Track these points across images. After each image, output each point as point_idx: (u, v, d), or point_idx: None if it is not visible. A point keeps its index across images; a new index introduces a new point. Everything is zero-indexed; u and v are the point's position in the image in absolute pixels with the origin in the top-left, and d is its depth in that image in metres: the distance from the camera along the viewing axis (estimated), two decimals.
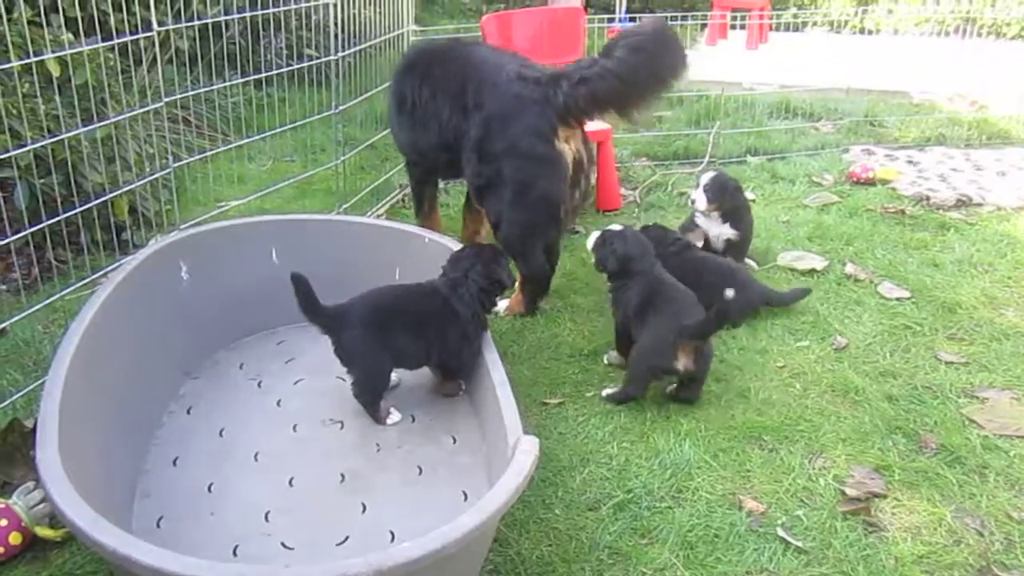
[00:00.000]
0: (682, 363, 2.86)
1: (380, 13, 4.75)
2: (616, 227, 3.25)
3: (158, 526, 2.32)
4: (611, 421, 2.87)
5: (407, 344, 2.76)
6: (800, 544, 2.35)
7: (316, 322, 2.72)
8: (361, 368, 2.75)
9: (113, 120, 3.34)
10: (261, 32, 4.56)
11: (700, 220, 4.00)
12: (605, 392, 3.00)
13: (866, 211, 4.72)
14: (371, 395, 2.77)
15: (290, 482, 2.51)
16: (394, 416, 2.80)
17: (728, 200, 3.92)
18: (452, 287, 2.83)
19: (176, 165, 3.66)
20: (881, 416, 2.90)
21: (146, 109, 3.41)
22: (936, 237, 4.40)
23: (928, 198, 4.88)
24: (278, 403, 2.91)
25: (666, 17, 6.62)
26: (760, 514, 2.46)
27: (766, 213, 4.68)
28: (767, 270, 4.00)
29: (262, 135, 4.37)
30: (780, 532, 2.39)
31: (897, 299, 3.72)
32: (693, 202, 3.93)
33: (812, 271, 3.95)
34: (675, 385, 2.99)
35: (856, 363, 3.24)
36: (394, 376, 2.89)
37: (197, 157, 3.97)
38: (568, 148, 3.33)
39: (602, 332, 3.45)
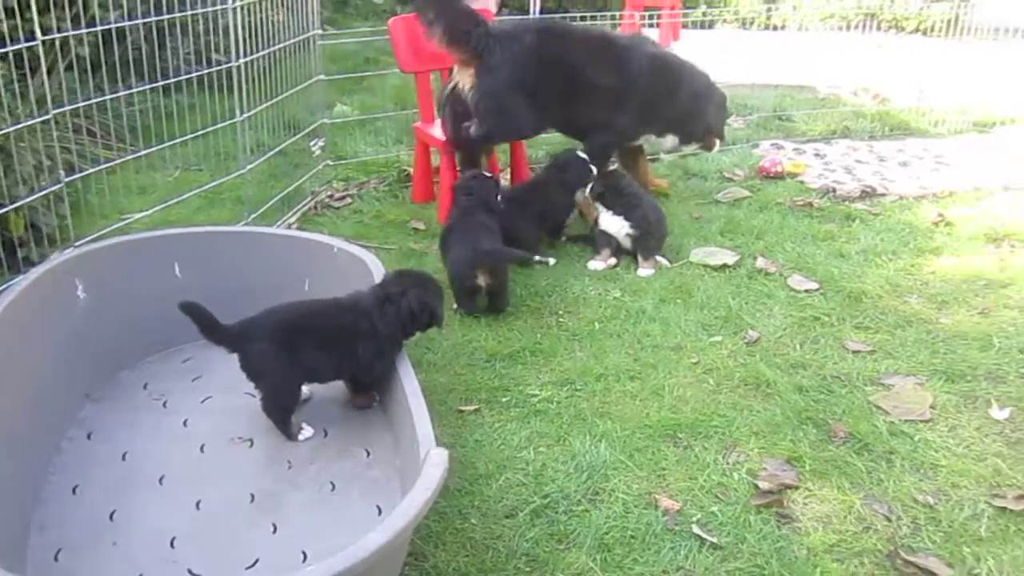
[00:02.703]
0: (482, 280, 3.48)
1: (286, 17, 4.65)
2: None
3: (56, 559, 2.21)
4: (527, 426, 2.86)
5: (317, 358, 2.69)
6: (715, 540, 2.36)
7: (219, 341, 2.64)
8: (269, 384, 2.68)
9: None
10: (167, 37, 4.41)
11: (603, 223, 4.08)
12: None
13: (776, 205, 4.81)
14: (281, 411, 2.69)
15: (197, 505, 2.42)
16: (306, 431, 2.73)
17: (622, 197, 4.04)
18: (380, 301, 2.75)
19: (71, 178, 3.50)
20: (792, 407, 2.95)
21: (34, 121, 3.26)
22: (842, 228, 4.51)
23: (835, 190, 5.01)
24: (184, 423, 2.81)
25: (579, 16, 6.67)
26: (676, 512, 2.47)
27: (679, 210, 4.74)
28: (679, 267, 4.04)
29: (167, 144, 4.23)
30: (695, 529, 2.40)
31: (806, 291, 3.80)
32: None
33: (724, 266, 4.00)
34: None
35: (767, 356, 3.29)
36: (306, 389, 2.82)
37: (97, 168, 3.82)
38: None
39: (518, 335, 3.44)
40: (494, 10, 10.60)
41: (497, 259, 3.58)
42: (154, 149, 4.17)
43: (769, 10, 10.42)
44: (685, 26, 10.01)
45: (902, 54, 8.96)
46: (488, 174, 4.09)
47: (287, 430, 2.70)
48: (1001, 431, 2.85)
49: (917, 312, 3.62)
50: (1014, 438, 2.81)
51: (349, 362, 2.73)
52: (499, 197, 3.94)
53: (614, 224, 4.03)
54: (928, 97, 6.90)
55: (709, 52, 8.99)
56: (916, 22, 10.39)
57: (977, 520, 2.45)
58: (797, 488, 2.58)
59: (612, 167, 4.58)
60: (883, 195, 4.99)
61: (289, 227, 4.44)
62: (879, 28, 9.61)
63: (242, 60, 4.13)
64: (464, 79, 4.24)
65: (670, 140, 4.73)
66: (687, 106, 4.58)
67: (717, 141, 4.87)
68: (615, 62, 4.36)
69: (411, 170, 5.03)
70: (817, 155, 5.74)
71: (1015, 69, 7.28)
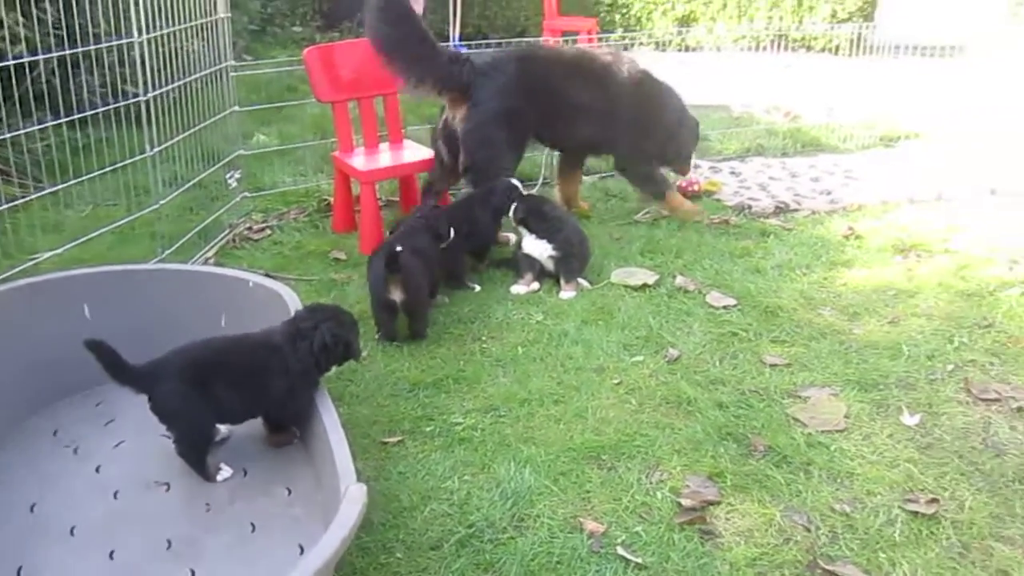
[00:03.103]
0: (395, 294, 3.48)
1: (201, 48, 4.59)
2: None
3: None
4: (452, 455, 2.84)
5: (228, 398, 2.62)
6: (640, 560, 2.38)
7: (126, 382, 2.56)
8: (181, 426, 2.62)
9: None
10: (77, 70, 4.31)
11: (526, 247, 4.09)
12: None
13: (694, 223, 4.91)
14: (196, 453, 2.63)
15: (111, 555, 2.34)
16: (224, 472, 2.67)
17: (544, 220, 4.04)
18: (292, 337, 2.69)
19: None
20: (713, 424, 3.00)
21: None
22: (758, 244, 4.62)
23: (750, 207, 5.13)
24: (97, 470, 2.71)
25: (497, 42, 6.74)
26: (600, 535, 2.48)
27: (600, 231, 4.80)
28: (601, 288, 4.08)
29: (79, 179, 4.12)
30: (620, 551, 2.41)
31: (724, 307, 3.87)
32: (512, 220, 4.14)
33: (644, 286, 4.06)
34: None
35: (688, 373, 3.34)
36: (224, 429, 2.77)
37: (3, 207, 3.70)
38: None
39: (441, 363, 3.43)
40: (420, 10, 10.68)
41: (407, 270, 3.50)
42: (64, 186, 4.06)
43: (681, 32, 10.66)
44: None
45: (811, 73, 9.27)
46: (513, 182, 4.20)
47: (204, 472, 2.63)
48: (912, 437, 2.94)
49: (830, 324, 3.72)
50: (924, 443, 2.91)
51: (262, 400, 2.68)
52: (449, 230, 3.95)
53: (537, 247, 4.06)
54: (837, 114, 7.14)
55: None
56: (824, 42, 10.78)
57: (892, 525, 2.51)
58: (719, 504, 2.62)
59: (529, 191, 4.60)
60: (796, 210, 5.14)
61: (206, 261, 4.36)
62: (789, 48, 9.91)
63: (152, 93, 4.05)
64: (456, 115, 4.44)
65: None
66: (668, 127, 4.84)
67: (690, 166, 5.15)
68: (602, 79, 4.62)
69: (332, 199, 5.00)
70: (733, 173, 5.89)
71: (916, 85, 7.60)
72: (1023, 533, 2.48)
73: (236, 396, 2.63)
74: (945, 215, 5.00)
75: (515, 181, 4.30)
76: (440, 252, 3.86)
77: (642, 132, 4.75)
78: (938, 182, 5.54)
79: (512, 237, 4.27)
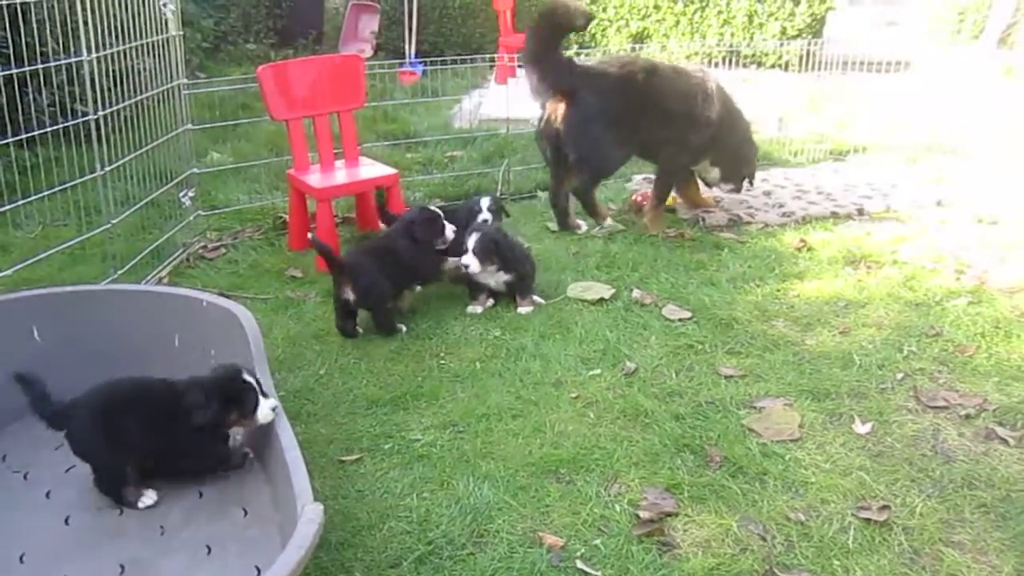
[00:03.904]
0: (348, 293, 3.69)
1: (153, 66, 4.55)
2: None
3: None
4: (410, 472, 2.83)
5: (140, 438, 2.57)
6: (599, 574, 2.39)
7: (44, 417, 2.55)
8: (95, 464, 2.60)
9: None
10: (24, 88, 4.24)
11: (478, 277, 4.01)
12: None
13: (649, 237, 4.96)
14: (111, 487, 2.60)
15: None
16: (147, 498, 2.60)
17: (501, 254, 3.96)
18: (189, 389, 2.63)
19: None
20: (670, 435, 3.03)
21: None
22: (712, 257, 4.68)
23: (704, 219, 5.20)
24: (47, 495, 2.66)
25: (452, 59, 6.76)
26: (560, 548, 2.49)
27: (556, 246, 4.83)
28: (558, 302, 4.10)
29: (28, 199, 4.05)
30: (579, 564, 2.42)
31: (680, 320, 3.91)
32: (466, 267, 3.91)
33: (601, 300, 4.09)
34: None
35: (645, 386, 3.37)
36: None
37: None
38: None
39: (399, 379, 3.42)
40: (369, 53, 10.69)
41: (354, 271, 3.71)
42: (13, 206, 3.98)
43: (635, 49, 10.78)
44: None
45: (763, 88, 9.42)
46: (435, 211, 4.06)
47: (125, 500, 2.59)
48: (864, 445, 2.99)
49: (784, 335, 3.78)
50: (876, 451, 2.96)
51: (172, 449, 2.63)
52: (442, 235, 3.98)
53: (492, 277, 4.03)
54: (788, 128, 7.27)
55: None
56: (774, 58, 10.98)
57: (845, 533, 2.55)
58: (677, 515, 2.64)
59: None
60: (749, 223, 5.21)
61: (160, 281, 4.30)
62: (741, 64, 10.09)
63: (103, 112, 4.00)
64: (557, 113, 4.76)
65: (716, 172, 5.31)
66: (738, 144, 5.23)
67: (745, 185, 5.48)
68: (694, 94, 4.94)
69: (287, 217, 4.96)
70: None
71: (863, 100, 7.77)
72: (972, 538, 2.54)
73: (147, 438, 2.59)
74: (893, 227, 5.11)
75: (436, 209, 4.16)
76: (410, 257, 3.89)
77: (716, 145, 5.10)
78: (886, 195, 5.66)
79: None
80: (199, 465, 2.71)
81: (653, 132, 4.91)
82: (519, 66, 9.27)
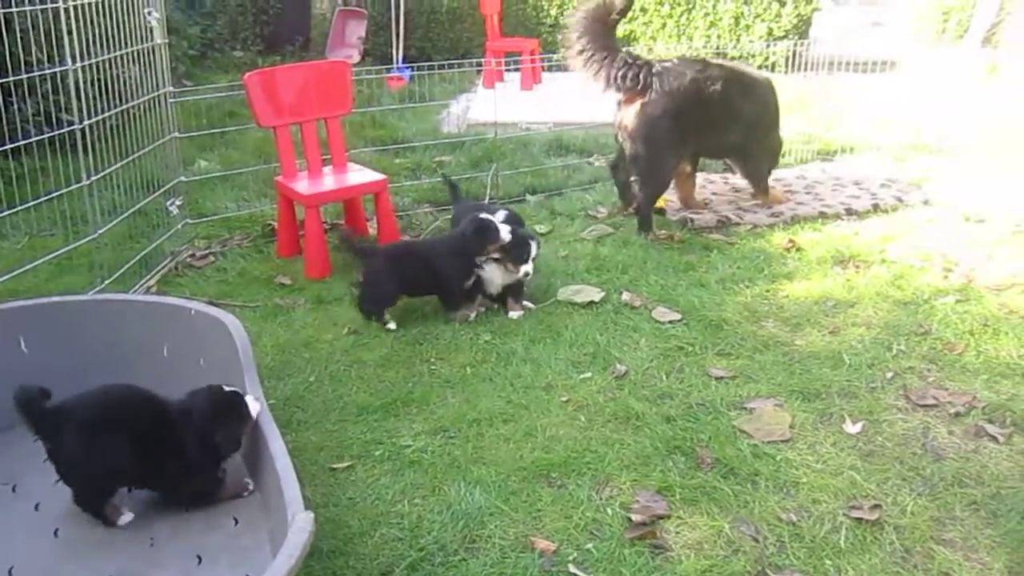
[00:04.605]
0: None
1: (139, 74, 4.53)
2: None
3: None
4: (402, 478, 2.83)
5: (124, 461, 2.51)
6: None
7: (32, 424, 2.50)
8: (80, 477, 2.54)
9: None
10: (9, 98, 4.22)
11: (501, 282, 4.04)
12: None
13: (638, 239, 4.96)
14: (94, 503, 2.56)
15: None
16: (125, 516, 2.57)
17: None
18: (182, 414, 2.58)
19: None
20: (661, 438, 3.03)
21: None
22: (702, 259, 4.68)
23: (692, 221, 5.20)
24: (36, 507, 2.64)
25: (439, 64, 6.76)
26: (552, 553, 2.49)
27: (546, 249, 4.81)
28: (549, 306, 4.10)
29: (14, 209, 4.03)
30: (572, 568, 2.42)
31: (670, 322, 3.91)
32: (527, 275, 3.99)
33: (591, 303, 4.09)
34: None
35: (636, 389, 3.37)
36: None
37: None
38: None
39: (389, 386, 3.41)
40: (356, 59, 10.68)
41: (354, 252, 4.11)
42: (2, 216, 3.97)
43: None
44: (548, 69, 10.30)
45: None
46: (488, 218, 4.00)
47: (103, 518, 2.55)
48: (855, 445, 3.00)
49: (774, 335, 3.78)
50: (867, 450, 2.97)
51: (156, 471, 2.59)
52: (489, 244, 3.94)
53: (507, 276, 4.02)
54: None
55: (570, 94, 9.31)
56: (761, 59, 11.01)
57: (836, 532, 2.56)
58: (669, 517, 2.64)
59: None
60: (738, 224, 5.22)
61: (148, 290, 4.28)
62: None
63: (88, 121, 3.99)
64: (628, 111, 4.91)
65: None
66: (773, 139, 5.48)
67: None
68: (752, 92, 5.17)
69: (276, 224, 4.95)
70: (675, 189, 5.95)
71: (850, 100, 7.80)
72: (963, 535, 2.55)
73: (134, 462, 2.53)
74: (881, 226, 5.12)
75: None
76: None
77: (765, 139, 5.39)
78: (874, 194, 5.68)
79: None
80: (195, 490, 2.66)
81: (720, 134, 5.12)
82: (506, 70, 9.33)
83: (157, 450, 2.54)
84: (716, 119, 5.00)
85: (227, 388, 2.64)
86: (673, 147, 4.98)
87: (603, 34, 4.87)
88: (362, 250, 4.12)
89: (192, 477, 2.60)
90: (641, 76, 4.81)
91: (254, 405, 2.62)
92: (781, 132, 5.57)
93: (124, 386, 2.62)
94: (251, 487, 2.71)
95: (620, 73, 4.81)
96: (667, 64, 4.91)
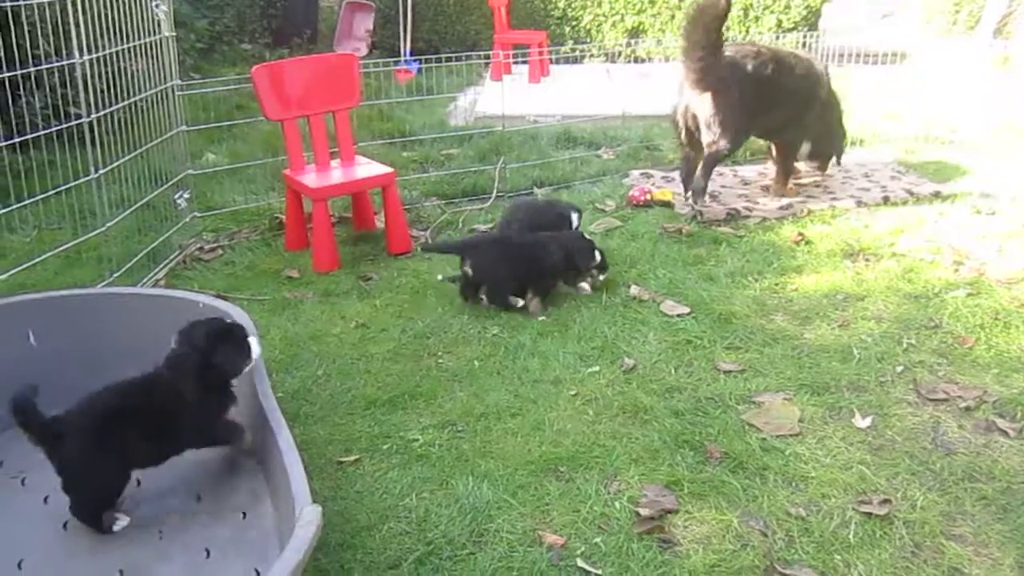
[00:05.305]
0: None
1: (145, 67, 4.53)
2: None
3: None
4: (409, 472, 2.82)
5: (137, 443, 2.52)
6: (599, 572, 2.38)
7: (30, 433, 2.46)
8: (83, 484, 2.50)
9: None
10: (17, 91, 4.23)
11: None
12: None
13: (646, 232, 4.94)
14: (93, 511, 2.53)
15: None
16: (122, 521, 2.55)
17: None
18: (173, 366, 2.58)
19: None
20: (669, 432, 3.02)
21: None
22: (711, 252, 4.66)
23: (701, 213, 5.18)
24: (45, 500, 2.65)
25: (447, 56, 6.74)
26: (560, 547, 2.48)
27: None
28: (556, 299, 4.09)
29: (22, 203, 4.04)
30: (580, 563, 2.42)
31: (678, 315, 3.90)
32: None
33: (599, 296, 4.08)
34: None
35: (644, 382, 3.36)
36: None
37: None
38: None
39: (397, 379, 3.41)
40: (364, 52, 10.67)
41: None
42: (7, 210, 3.98)
43: (631, 44, 10.77)
44: (556, 61, 10.27)
45: None
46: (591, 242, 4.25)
47: (99, 526, 2.52)
48: (864, 439, 2.98)
49: (783, 329, 3.77)
50: (876, 445, 2.95)
51: (171, 440, 2.60)
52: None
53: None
54: None
55: (579, 86, 9.29)
56: None
57: (846, 527, 2.55)
58: (677, 512, 2.63)
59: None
60: (747, 217, 5.20)
61: (156, 284, 4.29)
62: None
63: (96, 114, 3.99)
64: (701, 99, 5.08)
65: (806, 147, 5.70)
66: (830, 124, 5.69)
67: (831, 164, 5.94)
68: (810, 76, 5.40)
69: (283, 217, 4.95)
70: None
71: (859, 92, 7.74)
72: (973, 530, 2.53)
73: (145, 441, 2.54)
74: (891, 219, 5.09)
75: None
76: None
77: (825, 124, 5.61)
78: (884, 186, 5.64)
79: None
80: (207, 442, 2.70)
81: (777, 115, 5.32)
82: (514, 62, 9.29)
83: (160, 425, 2.54)
84: (776, 102, 5.25)
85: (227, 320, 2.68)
86: (743, 134, 5.34)
87: (717, 36, 5.01)
88: (463, 244, 4.29)
89: (197, 433, 2.61)
90: (719, 66, 5.01)
91: (255, 343, 2.66)
92: (837, 117, 5.74)
93: (113, 385, 2.58)
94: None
95: (710, 72, 4.99)
96: (729, 57, 5.10)
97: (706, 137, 5.18)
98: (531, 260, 4.04)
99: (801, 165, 5.88)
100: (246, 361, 2.67)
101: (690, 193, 5.32)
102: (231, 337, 2.66)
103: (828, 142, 5.77)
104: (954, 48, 10.73)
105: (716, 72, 5.00)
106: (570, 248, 4.11)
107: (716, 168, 5.32)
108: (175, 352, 2.60)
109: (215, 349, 2.59)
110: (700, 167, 5.28)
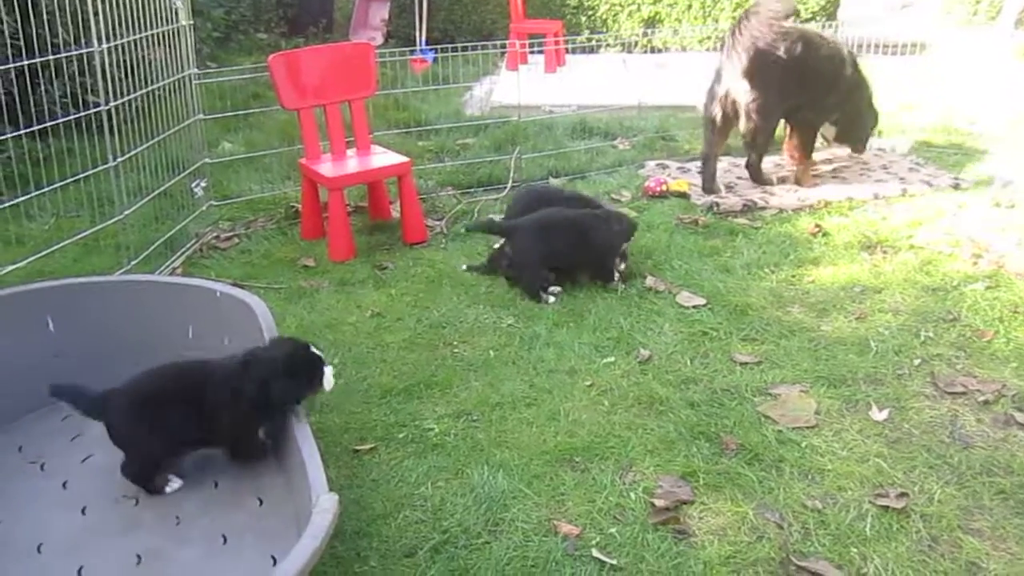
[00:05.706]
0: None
1: (164, 56, 4.55)
2: None
3: None
4: (425, 461, 2.83)
5: (178, 427, 2.56)
6: (615, 562, 2.39)
7: (86, 412, 2.56)
8: (131, 453, 2.60)
9: None
10: (36, 80, 4.26)
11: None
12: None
13: (662, 223, 4.93)
14: (144, 473, 2.60)
15: (79, 572, 2.30)
16: (174, 483, 2.61)
17: None
18: (246, 365, 2.59)
19: None
20: (685, 423, 3.01)
21: None
22: (727, 243, 4.64)
23: (718, 205, 5.16)
24: (64, 485, 2.67)
25: (462, 46, 6.73)
26: (575, 537, 2.48)
27: None
28: (571, 290, 4.08)
29: (41, 191, 4.06)
30: (595, 552, 2.42)
31: (694, 307, 3.89)
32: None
33: (615, 288, 4.07)
34: None
35: (660, 373, 3.35)
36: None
37: None
38: None
39: (412, 368, 3.42)
40: (380, 41, 10.66)
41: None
42: (26, 198, 4.01)
43: (647, 34, 10.72)
44: (572, 51, 10.23)
45: None
46: (623, 214, 4.38)
47: (151, 487, 2.60)
48: (881, 432, 2.97)
49: (799, 321, 3.75)
50: (893, 437, 2.94)
51: (209, 431, 2.62)
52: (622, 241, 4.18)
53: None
54: None
55: (595, 76, 9.26)
56: None
57: (862, 520, 2.54)
58: (692, 503, 2.63)
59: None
60: (763, 209, 5.17)
61: (173, 272, 4.31)
62: None
63: (114, 103, 4.01)
64: (741, 87, 5.17)
65: (834, 130, 5.86)
66: (859, 107, 5.71)
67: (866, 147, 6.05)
68: (835, 57, 5.43)
69: (299, 206, 4.96)
70: (701, 172, 5.90)
71: (878, 83, 7.68)
72: (991, 525, 2.52)
73: (186, 426, 2.57)
74: (909, 211, 5.06)
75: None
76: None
77: (854, 105, 5.65)
78: (902, 178, 5.60)
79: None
80: (237, 452, 2.72)
81: (803, 95, 5.35)
82: (530, 52, 9.27)
83: (211, 409, 2.56)
84: (804, 84, 5.28)
85: (312, 348, 2.65)
86: (776, 120, 5.46)
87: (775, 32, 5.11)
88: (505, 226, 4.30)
89: (241, 437, 2.64)
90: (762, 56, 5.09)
91: (329, 376, 2.63)
92: (867, 100, 5.73)
93: (174, 363, 2.67)
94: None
95: (753, 56, 5.06)
96: (768, 39, 5.11)
97: (745, 124, 5.26)
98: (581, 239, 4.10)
99: (837, 149, 5.95)
100: (305, 394, 2.64)
101: (723, 187, 5.48)
102: (305, 368, 2.61)
103: (860, 123, 5.79)
104: (974, 39, 10.63)
105: (761, 60, 5.07)
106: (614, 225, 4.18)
107: (732, 160, 5.32)
108: (254, 354, 2.61)
109: (278, 379, 2.54)
110: (752, 167, 5.50)
